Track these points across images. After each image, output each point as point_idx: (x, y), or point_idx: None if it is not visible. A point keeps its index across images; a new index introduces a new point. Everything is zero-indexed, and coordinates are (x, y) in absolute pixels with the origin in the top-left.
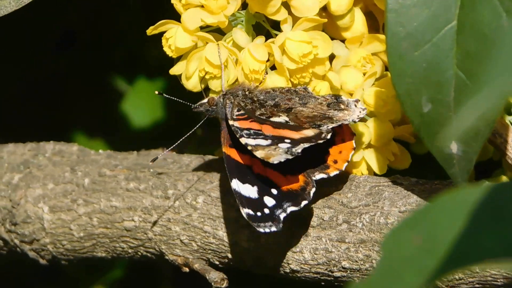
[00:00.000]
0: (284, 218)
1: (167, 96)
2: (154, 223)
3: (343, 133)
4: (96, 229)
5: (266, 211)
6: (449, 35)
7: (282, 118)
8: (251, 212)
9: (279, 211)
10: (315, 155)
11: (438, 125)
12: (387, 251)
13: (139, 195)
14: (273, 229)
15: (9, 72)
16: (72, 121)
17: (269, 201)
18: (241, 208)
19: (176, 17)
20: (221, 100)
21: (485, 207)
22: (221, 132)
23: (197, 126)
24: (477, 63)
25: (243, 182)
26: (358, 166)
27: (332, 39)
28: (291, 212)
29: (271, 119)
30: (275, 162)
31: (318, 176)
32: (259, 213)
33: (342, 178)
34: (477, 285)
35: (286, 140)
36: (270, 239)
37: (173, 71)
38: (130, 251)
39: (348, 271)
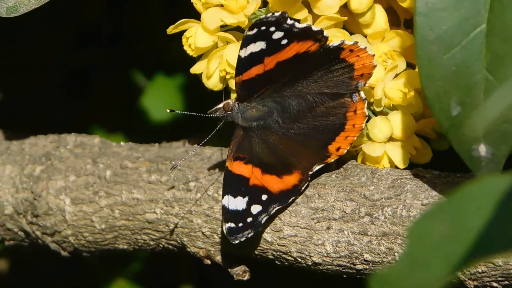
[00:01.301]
0: (266, 220)
1: (179, 112)
2: (176, 215)
3: (356, 118)
4: (117, 221)
5: (249, 219)
6: (478, 38)
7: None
8: (232, 225)
9: (263, 215)
10: (318, 147)
11: (466, 128)
12: (413, 239)
13: (161, 187)
14: (251, 234)
15: (30, 67)
16: (92, 116)
17: (255, 209)
18: (223, 224)
19: (196, 14)
20: (236, 105)
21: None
22: (231, 143)
23: (218, 127)
24: (507, 66)
25: (235, 196)
26: (380, 160)
27: (353, 34)
28: (276, 211)
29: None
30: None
31: (316, 168)
32: (240, 224)
33: (364, 171)
34: (500, 278)
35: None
36: (293, 231)
37: (194, 70)
38: (151, 243)
39: (371, 264)
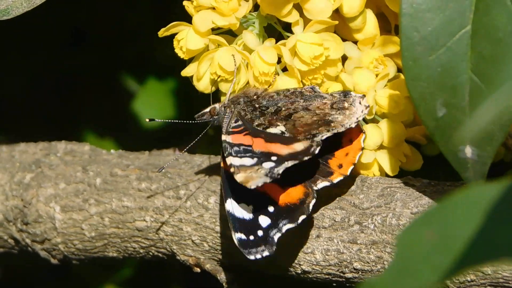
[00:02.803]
0: (279, 238)
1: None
2: (166, 223)
3: (351, 132)
4: (107, 229)
5: (260, 233)
6: (464, 40)
7: (279, 129)
8: (243, 236)
9: (274, 231)
10: (318, 161)
11: (452, 130)
12: (401, 247)
13: (150, 195)
14: (265, 253)
15: (19, 71)
16: (83, 121)
17: (264, 221)
18: (232, 233)
19: (187, 17)
20: (223, 109)
21: (500, 204)
22: (222, 146)
23: (206, 129)
24: (492, 67)
25: (239, 202)
26: (370, 168)
27: (344, 40)
28: (287, 230)
29: (268, 130)
30: (252, 187)
31: (321, 184)
32: (251, 237)
33: (354, 180)
34: (488, 287)
35: (272, 158)
36: (282, 240)
37: (185, 72)
38: (141, 251)
39: (360, 272)
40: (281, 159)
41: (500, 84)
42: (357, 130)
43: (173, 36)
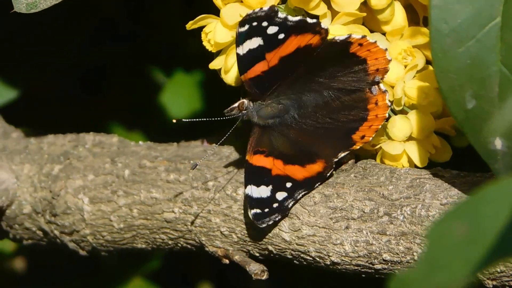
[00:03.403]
0: (293, 204)
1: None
2: (195, 214)
3: (378, 108)
4: (136, 221)
5: (275, 205)
6: (493, 31)
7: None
8: (258, 211)
9: (289, 201)
10: (343, 137)
11: (482, 121)
12: (432, 240)
13: (179, 186)
14: (278, 218)
15: (47, 64)
16: (110, 113)
17: (280, 195)
18: (249, 210)
19: (214, 10)
20: (251, 104)
21: None
22: (249, 139)
23: (234, 126)
24: None
25: (258, 186)
26: (399, 159)
27: (372, 32)
28: (302, 196)
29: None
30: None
31: (341, 155)
32: (266, 210)
33: (383, 171)
34: None
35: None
36: (311, 231)
37: (213, 65)
38: (170, 242)
39: (389, 264)
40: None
41: None
42: (384, 106)
43: (200, 28)
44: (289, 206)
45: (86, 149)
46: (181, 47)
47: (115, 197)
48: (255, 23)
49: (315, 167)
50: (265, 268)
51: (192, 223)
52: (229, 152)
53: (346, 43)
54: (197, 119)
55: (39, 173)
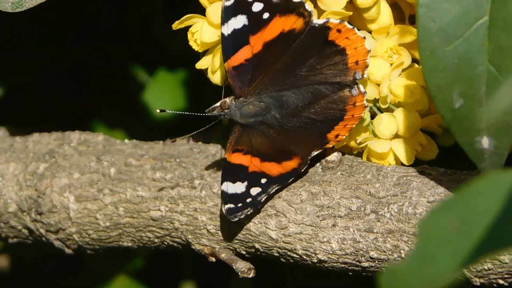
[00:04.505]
0: (266, 199)
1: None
2: (181, 212)
3: (354, 109)
4: (122, 219)
5: (248, 200)
6: (481, 30)
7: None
8: (231, 206)
9: (263, 195)
10: (317, 135)
11: (469, 120)
12: (423, 233)
13: (165, 184)
14: (250, 212)
15: (31, 63)
16: (93, 112)
17: (255, 191)
18: (222, 206)
19: (197, 9)
20: (233, 102)
21: None
22: (229, 138)
23: (212, 123)
24: (509, 58)
25: (234, 182)
26: (385, 157)
27: (358, 30)
28: (275, 191)
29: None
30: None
31: (315, 153)
32: (240, 204)
33: (369, 169)
34: (506, 276)
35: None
36: (298, 229)
37: (199, 65)
38: (156, 240)
39: (376, 261)
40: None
41: None
42: (361, 107)
43: (185, 27)
44: (262, 201)
45: (71, 147)
46: (165, 46)
47: (101, 196)
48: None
49: (291, 164)
50: (251, 266)
51: (179, 221)
52: (216, 150)
53: (325, 28)
54: (181, 112)
55: (25, 171)
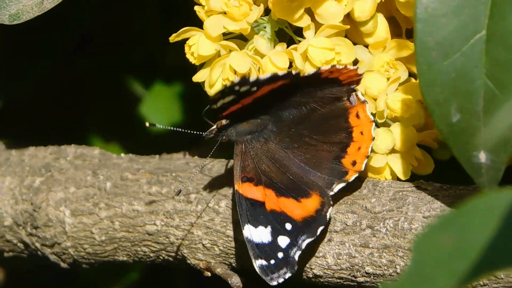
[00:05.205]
0: (299, 255)
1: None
2: (177, 227)
3: (362, 124)
4: (117, 233)
5: (280, 255)
6: (478, 45)
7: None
8: (264, 262)
9: (294, 250)
10: (333, 161)
11: (467, 135)
12: (418, 252)
13: (161, 199)
14: (288, 275)
15: (28, 76)
16: (89, 125)
17: (283, 241)
18: (253, 260)
19: (194, 22)
20: (229, 122)
21: None
22: (234, 162)
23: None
24: (507, 73)
25: (256, 226)
26: (381, 172)
27: (355, 44)
28: (307, 244)
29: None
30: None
31: (337, 188)
32: (272, 261)
33: (365, 184)
34: None
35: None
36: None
37: (196, 78)
38: (151, 255)
39: (372, 277)
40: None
41: None
42: (367, 121)
43: (181, 40)
44: (296, 258)
45: (67, 161)
46: (161, 59)
47: (96, 210)
48: (228, 91)
49: (311, 203)
50: (247, 281)
51: (174, 235)
52: (211, 165)
53: (317, 74)
54: (173, 128)
55: (20, 185)
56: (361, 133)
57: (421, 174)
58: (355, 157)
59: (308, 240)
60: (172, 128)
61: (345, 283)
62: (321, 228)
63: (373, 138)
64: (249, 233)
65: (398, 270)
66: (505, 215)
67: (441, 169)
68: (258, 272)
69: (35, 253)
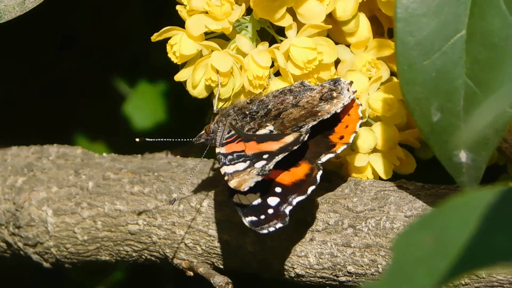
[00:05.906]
0: (290, 210)
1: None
2: (159, 226)
3: (348, 107)
4: (100, 233)
5: (270, 211)
6: (459, 44)
7: (268, 129)
8: (253, 218)
9: (284, 205)
10: (320, 139)
11: (447, 134)
12: (398, 251)
13: (143, 198)
14: (279, 225)
15: (11, 75)
16: (74, 124)
17: (272, 201)
18: (243, 218)
19: (177, 22)
20: (216, 125)
21: (497, 209)
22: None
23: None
24: (487, 72)
25: (245, 194)
26: (363, 171)
27: (337, 43)
28: (298, 202)
29: (258, 132)
30: (245, 189)
31: (325, 158)
32: (262, 216)
33: (347, 183)
34: None
35: (264, 156)
36: (276, 243)
37: (178, 77)
38: (134, 254)
39: (354, 276)
40: (272, 155)
41: (495, 89)
42: (353, 104)
43: (165, 39)
44: (287, 212)
45: (50, 161)
46: (145, 58)
47: (79, 209)
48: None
49: (300, 170)
50: (229, 281)
51: (156, 235)
52: (194, 165)
53: None
54: (163, 139)
55: (3, 185)
56: (348, 115)
57: (403, 173)
58: (342, 133)
59: (298, 198)
60: (163, 140)
61: (327, 282)
62: (311, 188)
63: (360, 118)
64: (238, 200)
65: (380, 270)
66: (484, 214)
67: (423, 169)
68: (248, 226)
69: (17, 252)
